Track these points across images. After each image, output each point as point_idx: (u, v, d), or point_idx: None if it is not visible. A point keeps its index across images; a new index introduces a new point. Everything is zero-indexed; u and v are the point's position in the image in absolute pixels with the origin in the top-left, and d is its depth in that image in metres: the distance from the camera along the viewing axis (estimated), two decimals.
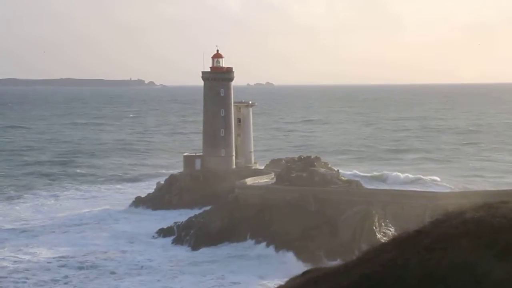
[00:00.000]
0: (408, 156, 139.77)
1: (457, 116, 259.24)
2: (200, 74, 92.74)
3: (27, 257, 65.75)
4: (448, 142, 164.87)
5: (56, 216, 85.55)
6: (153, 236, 74.96)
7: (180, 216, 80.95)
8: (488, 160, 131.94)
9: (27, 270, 61.75)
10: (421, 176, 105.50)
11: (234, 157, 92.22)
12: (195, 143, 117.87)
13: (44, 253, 66.96)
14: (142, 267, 62.68)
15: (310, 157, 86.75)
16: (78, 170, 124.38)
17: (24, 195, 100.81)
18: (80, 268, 62.18)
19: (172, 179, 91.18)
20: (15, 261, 64.62)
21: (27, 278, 59.47)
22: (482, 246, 12.20)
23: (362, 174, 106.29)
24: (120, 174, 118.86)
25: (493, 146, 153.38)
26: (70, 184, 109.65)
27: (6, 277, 59.60)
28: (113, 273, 60.57)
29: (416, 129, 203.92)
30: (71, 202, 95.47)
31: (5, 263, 63.72)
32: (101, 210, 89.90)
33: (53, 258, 65.36)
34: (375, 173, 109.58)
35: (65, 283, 58.31)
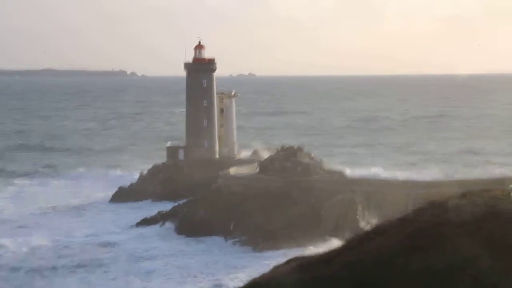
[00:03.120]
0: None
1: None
2: (183, 65, 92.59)
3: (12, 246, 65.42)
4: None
5: (36, 207, 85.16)
6: (136, 226, 74.89)
7: (163, 206, 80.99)
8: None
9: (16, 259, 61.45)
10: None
11: (217, 148, 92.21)
12: (178, 134, 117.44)
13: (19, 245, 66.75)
14: (127, 256, 62.56)
15: (293, 147, 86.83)
16: (56, 159, 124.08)
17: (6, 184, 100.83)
18: (63, 260, 61.92)
19: (155, 170, 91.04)
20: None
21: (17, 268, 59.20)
22: (465, 234, 12.29)
23: None
24: (101, 163, 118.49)
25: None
26: (49, 173, 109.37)
27: None
28: (100, 265, 60.13)
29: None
30: (54, 191, 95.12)
31: None
32: (83, 200, 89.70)
33: (36, 247, 65.10)
34: None
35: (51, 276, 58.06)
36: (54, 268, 59.17)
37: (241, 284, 13.58)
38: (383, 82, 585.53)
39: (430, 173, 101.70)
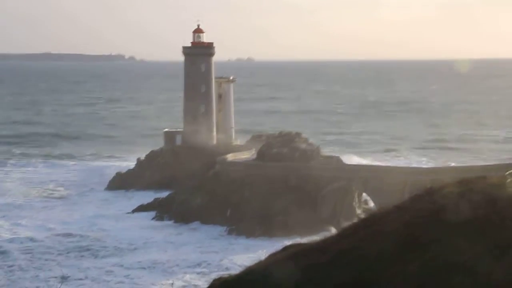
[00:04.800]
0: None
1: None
2: (181, 49, 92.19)
3: (7, 235, 65.23)
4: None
5: (29, 194, 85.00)
6: (132, 213, 74.89)
7: (160, 193, 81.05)
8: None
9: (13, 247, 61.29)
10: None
11: (214, 133, 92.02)
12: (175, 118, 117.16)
13: (25, 230, 66.60)
14: (125, 243, 62.53)
15: (290, 132, 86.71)
16: (51, 146, 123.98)
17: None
18: (67, 246, 61.77)
19: (152, 155, 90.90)
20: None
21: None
22: (461, 221, 12.25)
23: None
24: (100, 150, 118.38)
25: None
26: (44, 160, 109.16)
27: None
28: (93, 254, 59.95)
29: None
30: (47, 177, 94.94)
31: None
32: (79, 187, 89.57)
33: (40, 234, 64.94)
34: None
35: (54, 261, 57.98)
36: (48, 254, 59.14)
37: (237, 272, 13.53)
38: (383, 67, 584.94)
39: (426, 160, 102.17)
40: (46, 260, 57.51)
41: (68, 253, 59.62)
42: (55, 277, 52.67)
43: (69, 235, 64.91)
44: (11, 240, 63.09)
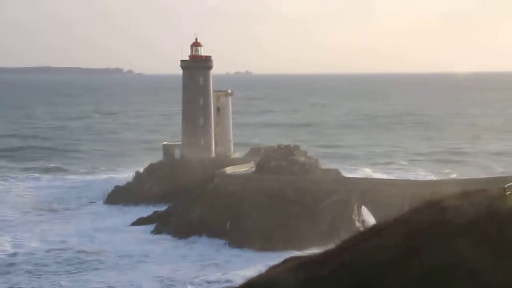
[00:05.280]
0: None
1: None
2: (179, 63, 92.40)
3: (6, 250, 65.02)
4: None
5: (28, 207, 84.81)
6: (132, 225, 74.80)
7: (158, 206, 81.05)
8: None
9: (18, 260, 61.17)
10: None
11: (213, 146, 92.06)
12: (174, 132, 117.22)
13: (28, 244, 66.46)
14: (125, 257, 62.37)
15: (289, 146, 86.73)
16: (49, 160, 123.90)
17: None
18: (68, 259, 61.57)
19: (151, 168, 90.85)
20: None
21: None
22: (460, 234, 12.30)
23: None
24: (96, 163, 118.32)
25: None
26: (43, 174, 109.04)
27: None
28: (93, 267, 59.75)
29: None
30: (49, 190, 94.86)
31: None
32: (78, 200, 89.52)
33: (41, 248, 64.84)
34: None
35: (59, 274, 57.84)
36: (45, 267, 58.96)
37: (237, 285, 13.56)
38: (381, 81, 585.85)
39: (424, 173, 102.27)
40: (46, 275, 57.21)
41: (67, 266, 59.37)
42: None
43: (68, 249, 64.69)
44: (10, 255, 62.82)
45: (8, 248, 65.23)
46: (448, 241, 11.95)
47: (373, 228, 13.59)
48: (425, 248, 11.83)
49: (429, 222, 12.71)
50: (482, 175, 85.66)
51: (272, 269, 13.68)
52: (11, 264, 60.18)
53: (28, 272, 58.07)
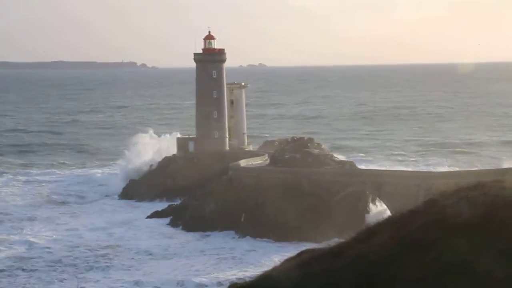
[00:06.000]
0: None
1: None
2: (192, 56, 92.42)
3: (22, 246, 65.13)
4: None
5: (43, 201, 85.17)
6: (146, 219, 75.02)
7: (173, 199, 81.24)
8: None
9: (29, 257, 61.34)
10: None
11: (227, 139, 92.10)
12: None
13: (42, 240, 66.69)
14: (141, 251, 62.47)
15: (303, 138, 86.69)
16: (61, 154, 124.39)
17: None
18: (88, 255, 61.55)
19: (165, 162, 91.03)
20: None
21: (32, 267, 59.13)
22: (476, 225, 12.20)
23: None
24: (112, 155, 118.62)
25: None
26: (56, 168, 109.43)
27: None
28: (108, 262, 59.57)
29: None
30: (62, 186, 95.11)
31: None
32: (94, 193, 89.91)
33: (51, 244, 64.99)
34: None
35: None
36: (60, 263, 59.06)
37: (252, 278, 13.53)
38: (395, 72, 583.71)
39: (440, 164, 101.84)
40: (61, 270, 57.27)
41: (83, 263, 59.27)
42: None
43: (83, 244, 64.73)
44: (26, 251, 63.01)
45: (23, 243, 65.43)
46: (462, 233, 11.85)
47: (388, 220, 13.51)
48: (441, 240, 11.74)
49: (443, 214, 12.62)
50: (497, 166, 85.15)
51: (287, 261, 13.64)
52: (26, 259, 60.35)
53: (43, 267, 58.12)
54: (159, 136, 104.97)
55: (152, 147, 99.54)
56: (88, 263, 59.16)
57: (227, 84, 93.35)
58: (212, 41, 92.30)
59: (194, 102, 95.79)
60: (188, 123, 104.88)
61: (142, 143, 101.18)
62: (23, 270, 57.46)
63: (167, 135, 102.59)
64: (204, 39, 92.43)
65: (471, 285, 10.74)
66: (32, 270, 57.20)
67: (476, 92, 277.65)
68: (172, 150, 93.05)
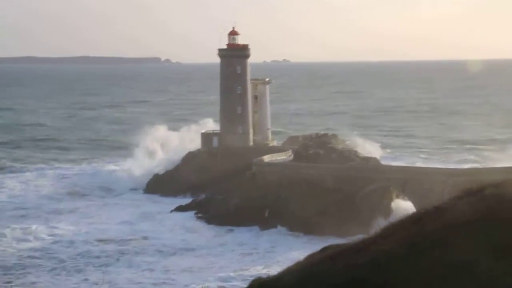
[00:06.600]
0: None
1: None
2: (217, 52, 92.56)
3: (49, 238, 65.66)
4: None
5: (68, 195, 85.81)
6: (171, 213, 75.34)
7: (197, 194, 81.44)
8: None
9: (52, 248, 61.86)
10: None
11: (251, 134, 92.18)
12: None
13: (65, 233, 67.20)
14: (166, 245, 62.75)
15: (327, 134, 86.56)
16: (87, 149, 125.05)
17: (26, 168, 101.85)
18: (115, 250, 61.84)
19: (189, 156, 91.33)
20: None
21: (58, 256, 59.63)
22: (502, 222, 12.11)
23: None
24: (135, 151, 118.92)
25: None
26: (82, 162, 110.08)
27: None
28: (132, 256, 59.86)
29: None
30: (88, 179, 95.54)
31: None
32: (119, 187, 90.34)
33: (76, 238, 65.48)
34: None
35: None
36: (85, 257, 59.42)
37: (276, 273, 13.55)
38: (419, 67, 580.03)
39: (465, 161, 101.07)
40: (86, 264, 57.63)
41: (107, 256, 59.64)
42: (97, 283, 52.65)
43: (108, 238, 65.14)
44: (51, 244, 63.54)
45: (49, 235, 66.04)
46: (489, 229, 11.77)
47: (413, 217, 13.45)
48: (466, 237, 11.67)
49: (469, 210, 12.54)
50: None
51: (310, 257, 13.63)
52: (52, 251, 60.89)
53: (68, 259, 58.54)
54: (178, 130, 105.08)
55: (173, 141, 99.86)
56: (112, 256, 59.52)
57: (251, 79, 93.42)
58: (236, 36, 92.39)
59: (217, 97, 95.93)
60: (210, 117, 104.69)
61: (162, 138, 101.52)
62: (49, 261, 58.01)
63: (190, 129, 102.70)
64: (228, 34, 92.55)
65: None
66: (57, 262, 57.66)
67: (503, 88, 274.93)
68: (194, 145, 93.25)
